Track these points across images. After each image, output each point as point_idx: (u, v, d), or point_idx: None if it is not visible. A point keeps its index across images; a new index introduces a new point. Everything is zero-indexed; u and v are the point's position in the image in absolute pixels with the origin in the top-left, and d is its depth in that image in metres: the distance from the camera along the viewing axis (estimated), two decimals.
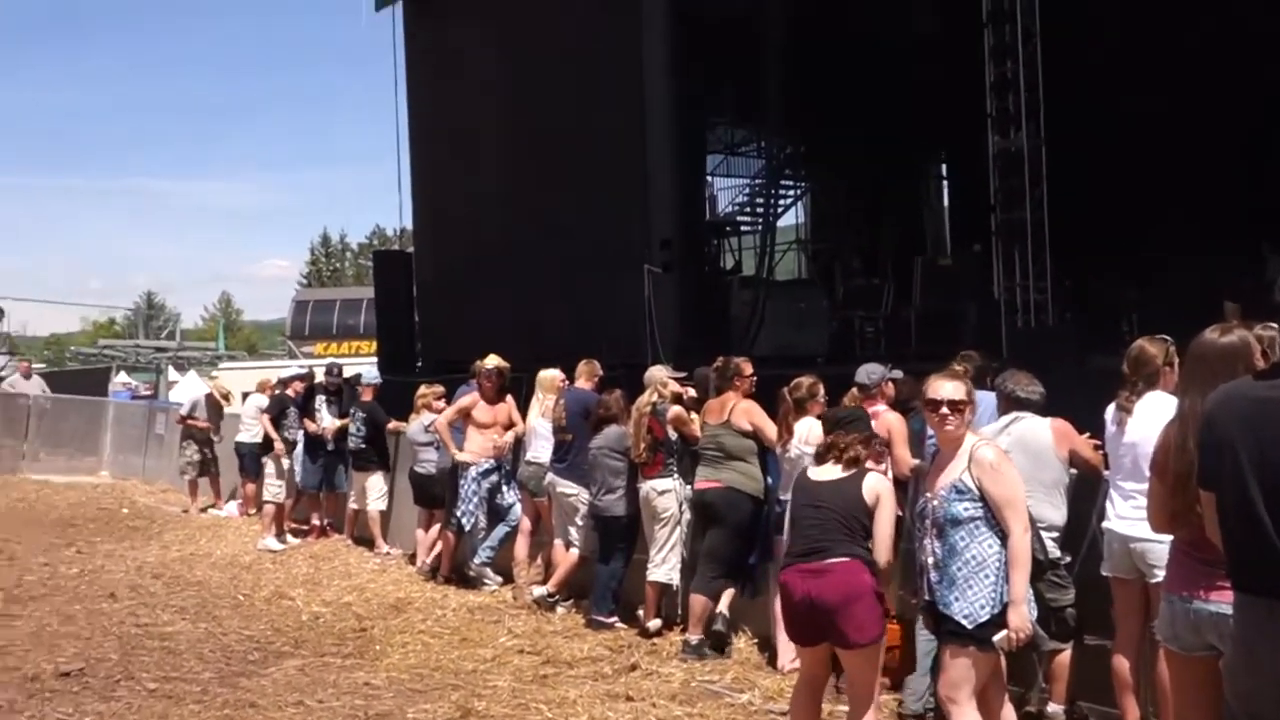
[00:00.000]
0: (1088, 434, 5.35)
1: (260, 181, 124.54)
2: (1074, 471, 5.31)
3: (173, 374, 34.06)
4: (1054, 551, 5.08)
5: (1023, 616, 4.20)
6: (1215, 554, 3.19)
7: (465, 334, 15.34)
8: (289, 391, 11.77)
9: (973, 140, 14.12)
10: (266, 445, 11.71)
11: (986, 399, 5.51)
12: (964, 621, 4.21)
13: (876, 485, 4.69)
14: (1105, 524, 4.91)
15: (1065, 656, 5.16)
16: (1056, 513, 5.16)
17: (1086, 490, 5.33)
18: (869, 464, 4.78)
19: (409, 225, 19.80)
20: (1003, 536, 4.24)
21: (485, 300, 15.97)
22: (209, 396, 14.26)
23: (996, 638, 4.18)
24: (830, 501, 4.63)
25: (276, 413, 11.66)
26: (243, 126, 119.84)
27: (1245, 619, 3.03)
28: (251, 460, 12.16)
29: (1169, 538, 3.77)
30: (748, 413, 6.92)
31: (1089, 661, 5.10)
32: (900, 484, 6.06)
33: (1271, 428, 2.92)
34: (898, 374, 6.79)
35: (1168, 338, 4.92)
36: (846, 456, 4.72)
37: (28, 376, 19.20)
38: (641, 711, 5.71)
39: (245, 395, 13.23)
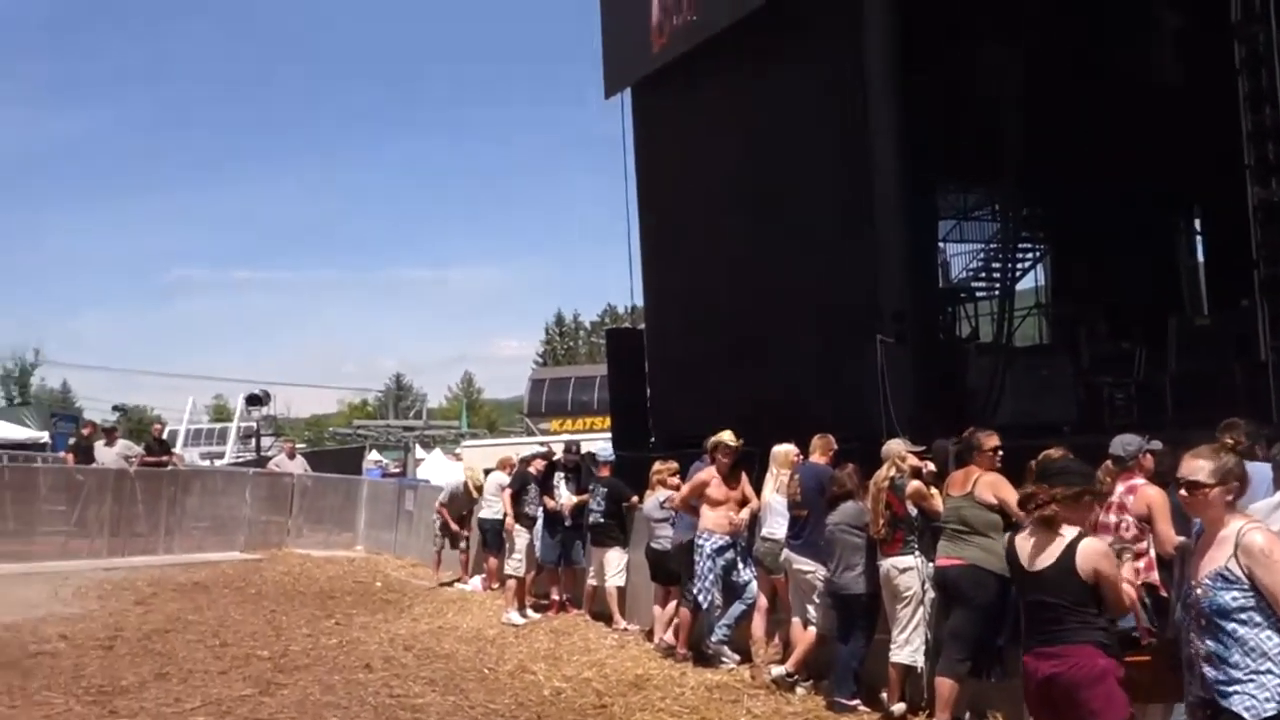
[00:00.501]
0: None
1: (498, 266, 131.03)
2: None
3: (419, 451, 35.80)
4: None
5: None
6: None
7: (696, 409, 15.47)
8: (530, 469, 12.13)
9: (1228, 192, 13.24)
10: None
11: (1260, 472, 5.06)
12: (1246, 715, 3.83)
13: (1092, 559, 4.41)
14: None
15: None
16: None
17: None
18: (1066, 528, 4.48)
19: (639, 302, 20.27)
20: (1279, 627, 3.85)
21: (715, 375, 16.07)
22: (464, 485, 14.73)
23: None
24: (1054, 594, 4.43)
25: (518, 489, 12.04)
26: (483, 216, 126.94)
27: None
28: (494, 535, 12.57)
29: None
30: (993, 485, 6.62)
31: None
32: (1165, 563, 5.66)
33: None
34: (1156, 445, 6.34)
35: None
36: (1039, 514, 4.45)
37: (292, 457, 20.60)
38: None
39: (486, 472, 13.73)
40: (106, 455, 17.35)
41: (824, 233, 14.26)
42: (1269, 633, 3.86)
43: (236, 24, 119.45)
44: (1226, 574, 3.91)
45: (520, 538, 11.85)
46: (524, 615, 11.45)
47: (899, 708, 6.90)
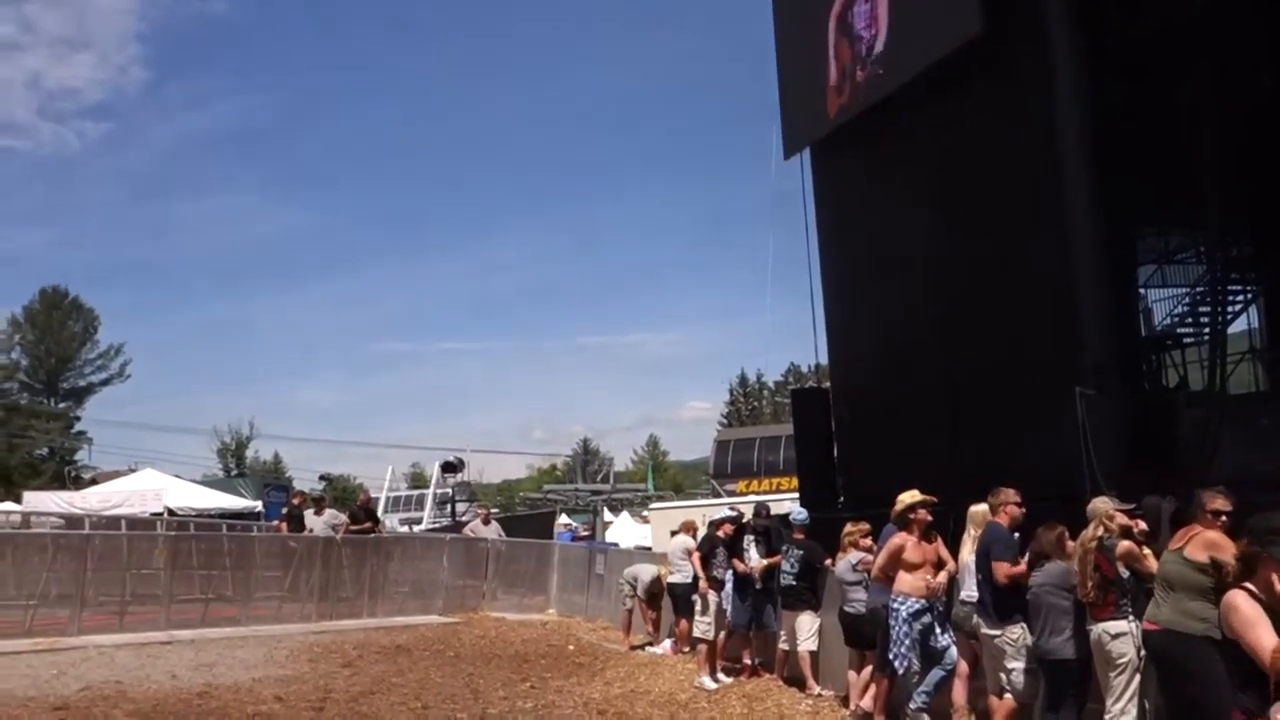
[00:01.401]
0: None
1: (682, 330, 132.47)
2: None
3: (607, 514, 36.20)
4: None
5: None
6: None
7: (885, 468, 15.10)
8: (719, 533, 12.08)
9: None
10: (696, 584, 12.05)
11: None
12: None
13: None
14: None
15: None
16: None
17: None
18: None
19: (824, 361, 20.02)
20: None
21: (904, 433, 15.69)
22: (654, 579, 14.69)
23: None
24: None
25: (707, 551, 11.99)
26: (664, 283, 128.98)
27: None
28: (683, 599, 12.55)
29: None
30: (1209, 545, 6.16)
31: None
32: None
33: None
34: None
35: None
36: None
37: (486, 523, 21.11)
38: None
39: (673, 534, 13.74)
40: (316, 523, 18.21)
41: (1017, 283, 13.80)
42: None
43: (423, 115, 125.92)
44: None
45: (710, 599, 11.78)
46: (716, 680, 11.33)
47: None
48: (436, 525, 34.05)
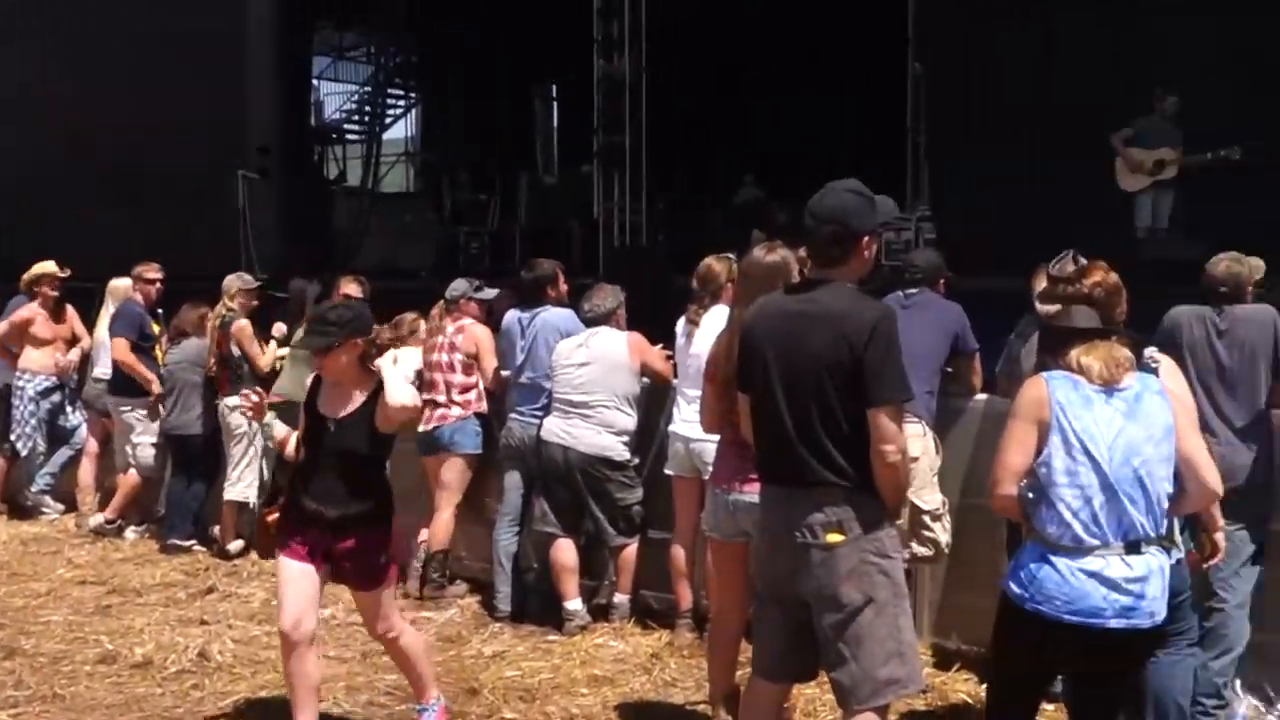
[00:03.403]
0: (660, 345, 5.66)
1: None
2: (646, 380, 5.60)
3: None
4: (624, 454, 5.39)
5: None
6: (752, 451, 3.48)
7: (36, 241, 13.71)
8: None
9: (583, 63, 14.36)
10: None
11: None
12: None
13: None
14: (671, 427, 5.24)
15: (631, 551, 5.49)
16: (628, 419, 5.45)
17: (658, 398, 5.64)
18: None
19: None
20: None
21: (58, 205, 14.34)
22: None
23: None
24: None
25: None
26: None
27: (767, 506, 3.34)
28: None
29: (718, 437, 4.08)
30: None
31: (653, 555, 5.45)
32: (491, 394, 6.18)
33: (796, 337, 3.20)
34: (490, 292, 6.70)
35: (731, 255, 5.22)
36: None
37: None
38: (215, 634, 5.46)
39: None
40: None
41: (189, 64, 13.13)
42: None
43: None
44: None
45: None
46: None
47: (235, 545, 6.87)
48: None
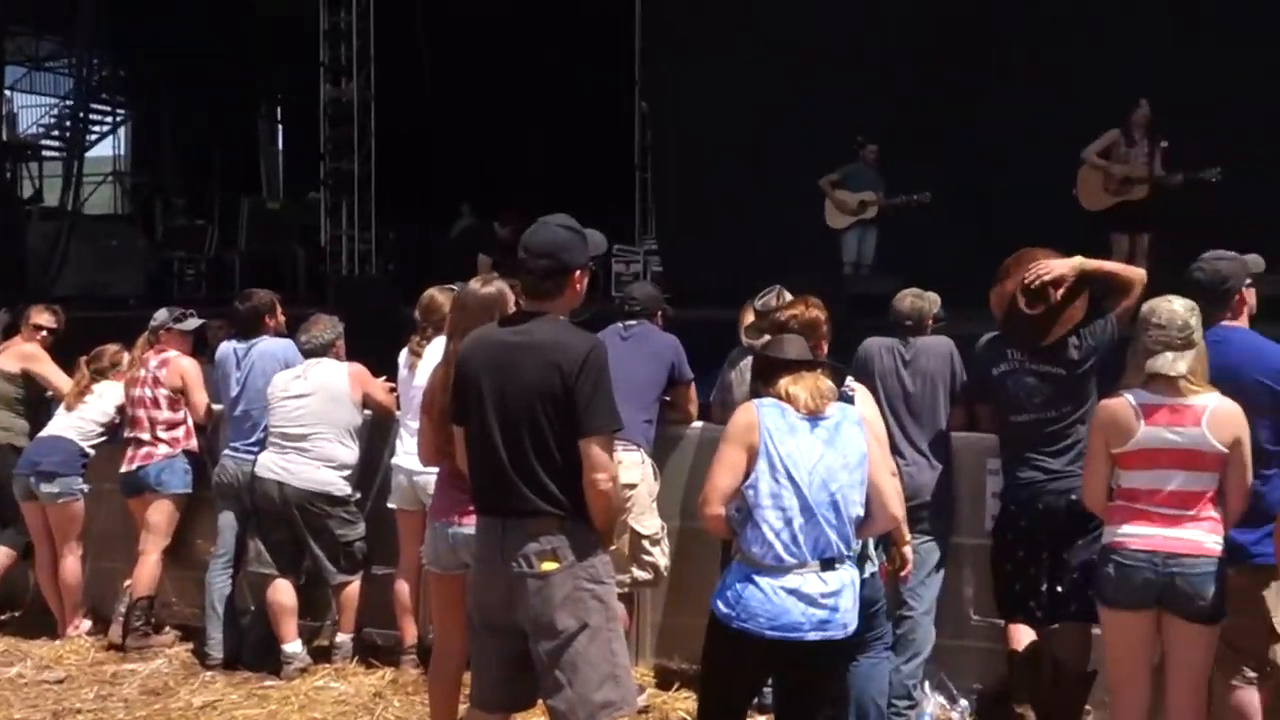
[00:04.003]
0: (385, 377, 5.56)
1: None
2: (368, 413, 5.49)
3: None
4: (344, 489, 5.25)
5: None
6: (469, 483, 3.48)
7: None
8: None
9: (309, 86, 13.99)
10: None
11: None
12: None
13: None
14: (394, 460, 5.15)
15: (354, 588, 5.34)
16: (348, 452, 5.31)
17: (381, 431, 5.54)
18: None
19: None
20: None
21: None
22: None
23: None
24: None
25: None
26: None
27: (483, 537, 3.36)
28: None
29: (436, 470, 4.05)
30: (26, 357, 6.23)
31: (377, 591, 5.33)
32: (201, 429, 5.88)
33: (509, 368, 3.24)
34: (194, 323, 6.35)
35: (455, 286, 5.21)
36: None
37: None
38: None
39: None
40: None
41: None
42: None
43: None
44: None
45: None
46: None
47: None
48: None
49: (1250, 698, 3.69)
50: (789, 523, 3.30)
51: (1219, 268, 3.86)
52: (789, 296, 4.68)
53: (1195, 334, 3.48)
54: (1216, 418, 3.43)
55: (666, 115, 12.81)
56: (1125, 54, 9.63)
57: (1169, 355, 3.44)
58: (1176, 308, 3.50)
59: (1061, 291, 4.14)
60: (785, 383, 3.44)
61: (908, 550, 4.02)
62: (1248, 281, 3.90)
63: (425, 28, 15.16)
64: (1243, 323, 3.88)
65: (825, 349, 4.05)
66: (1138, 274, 4.25)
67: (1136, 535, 3.49)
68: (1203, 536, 3.44)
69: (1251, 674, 3.70)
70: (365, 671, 5.23)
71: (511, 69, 14.85)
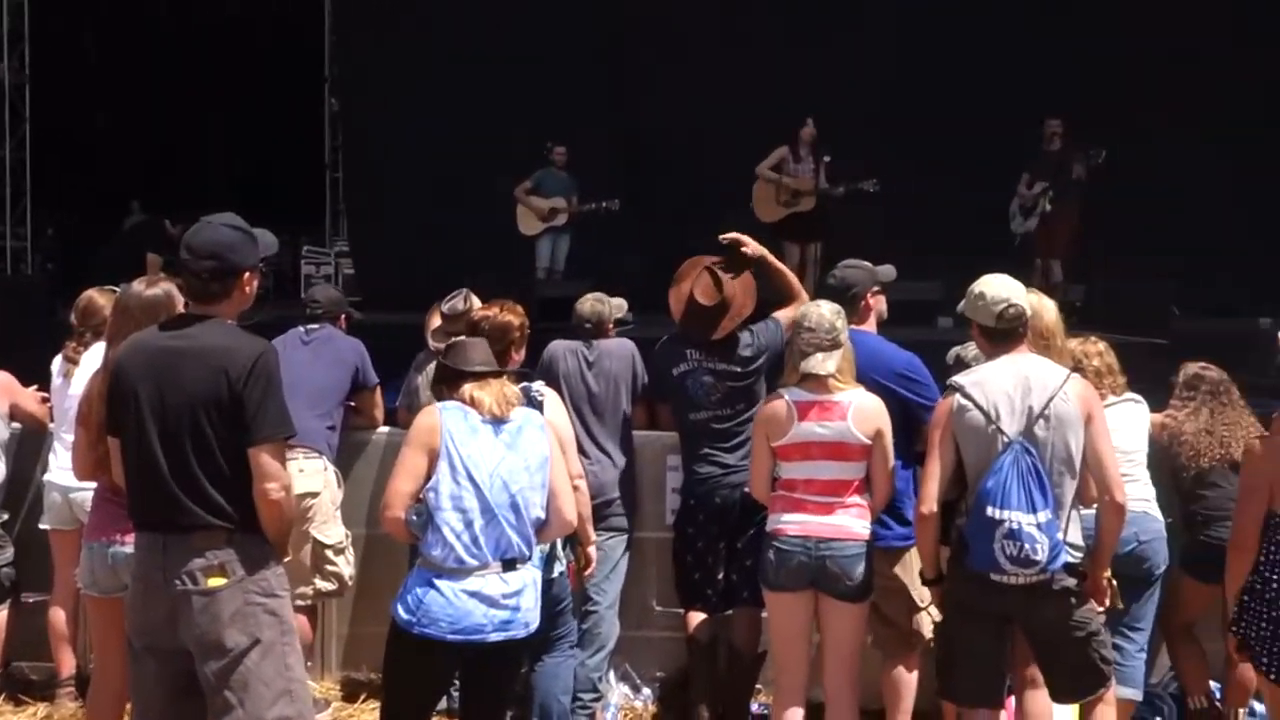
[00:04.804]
0: (35, 386, 5.10)
1: None
2: (17, 426, 5.02)
3: None
4: None
5: None
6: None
7: None
8: None
9: None
10: None
11: None
12: None
13: None
14: (47, 476, 4.74)
15: (1, 618, 4.87)
16: None
17: (32, 445, 5.07)
18: None
19: None
20: None
21: None
22: None
23: None
24: None
25: None
26: None
27: (142, 553, 3.15)
28: None
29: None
30: None
31: (28, 620, 4.88)
32: None
33: (170, 374, 3.06)
34: None
35: (115, 288, 4.85)
36: None
37: None
38: None
39: None
40: None
41: None
42: None
43: None
44: None
45: None
46: None
47: None
48: None
49: (907, 675, 4.08)
50: (470, 524, 3.32)
51: (846, 275, 4.23)
52: (476, 300, 4.69)
53: (841, 335, 3.78)
54: (859, 412, 3.74)
55: (357, 115, 12.50)
56: (798, 75, 10.35)
57: (819, 355, 3.71)
58: (825, 312, 3.79)
59: (737, 284, 4.36)
60: (470, 387, 3.45)
61: (592, 550, 4.12)
62: (875, 288, 4.27)
63: (90, 7, 14.05)
64: (869, 327, 4.25)
65: (520, 354, 4.09)
66: (801, 289, 4.57)
67: (793, 522, 3.75)
68: (851, 521, 3.75)
69: (907, 650, 4.07)
70: (14, 710, 4.79)
71: (190, 58, 14.04)
